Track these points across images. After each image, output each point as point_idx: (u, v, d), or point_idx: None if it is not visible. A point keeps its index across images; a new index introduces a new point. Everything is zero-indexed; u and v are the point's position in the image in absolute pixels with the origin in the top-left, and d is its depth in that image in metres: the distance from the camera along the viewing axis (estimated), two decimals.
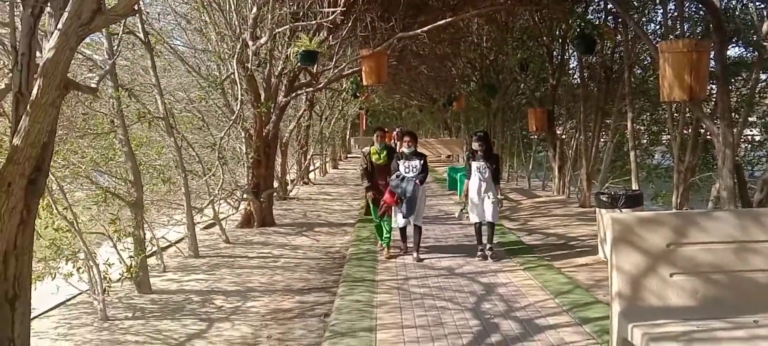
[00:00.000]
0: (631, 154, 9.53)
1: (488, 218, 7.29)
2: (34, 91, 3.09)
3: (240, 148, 11.09)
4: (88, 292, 5.79)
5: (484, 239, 7.46)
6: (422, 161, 7.44)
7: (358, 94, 16.68)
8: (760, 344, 3.22)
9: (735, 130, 7.81)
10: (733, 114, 7.15)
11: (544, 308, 5.49)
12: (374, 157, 7.82)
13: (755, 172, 9.42)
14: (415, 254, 7.50)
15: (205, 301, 6.19)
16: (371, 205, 7.89)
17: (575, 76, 14.58)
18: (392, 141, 14.08)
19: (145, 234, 6.49)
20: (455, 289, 6.18)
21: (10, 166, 3.13)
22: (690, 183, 8.38)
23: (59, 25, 3.08)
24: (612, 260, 3.72)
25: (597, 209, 7.59)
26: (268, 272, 7.45)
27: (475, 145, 7.32)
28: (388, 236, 7.72)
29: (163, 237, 7.94)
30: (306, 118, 17.66)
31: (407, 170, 7.33)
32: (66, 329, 5.32)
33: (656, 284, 3.67)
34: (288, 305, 6.05)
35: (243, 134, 10.61)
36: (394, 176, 7.35)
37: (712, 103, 8.69)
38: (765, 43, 6.72)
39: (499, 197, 7.34)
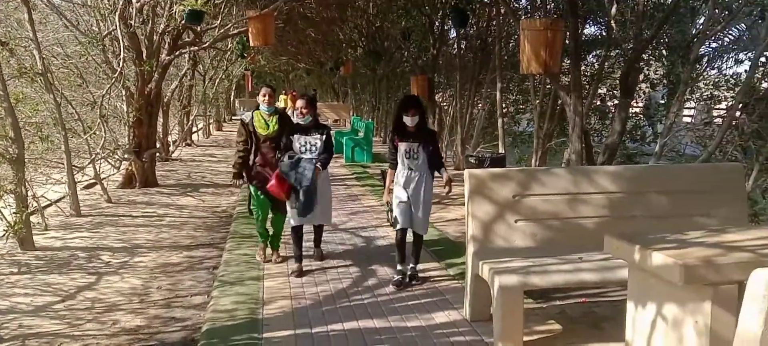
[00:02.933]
0: (499, 121, 10.44)
1: (416, 228, 5.15)
2: None
3: (121, 106, 10.88)
4: None
5: (407, 259, 5.30)
6: (325, 136, 5.46)
7: (244, 55, 16.59)
8: (581, 275, 3.99)
9: (586, 101, 8.89)
10: (583, 87, 8.12)
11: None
12: (259, 127, 5.56)
13: (603, 138, 10.65)
14: (314, 251, 5.95)
15: (91, 257, 6.28)
16: (255, 195, 5.75)
17: (455, 47, 15.42)
18: (288, 107, 13.29)
19: (26, 191, 6.43)
20: (338, 242, 6.68)
21: None
22: (547, 148, 9.39)
23: None
24: (468, 209, 4.36)
25: (465, 170, 8.36)
26: (153, 230, 7.59)
27: (407, 119, 4.96)
28: (278, 235, 5.94)
29: (42, 196, 7.79)
30: (189, 77, 17.36)
31: (303, 149, 5.36)
32: None
33: (503, 229, 4.35)
34: (176, 259, 6.29)
35: (124, 93, 10.43)
36: (285, 157, 5.29)
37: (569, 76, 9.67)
38: (613, 24, 7.67)
39: (445, 189, 5.17)
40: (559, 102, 9.84)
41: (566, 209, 4.49)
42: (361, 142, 14.74)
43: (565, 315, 4.48)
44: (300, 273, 5.46)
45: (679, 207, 4.63)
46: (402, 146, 5.05)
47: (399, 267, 5.24)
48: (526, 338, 3.94)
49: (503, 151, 10.04)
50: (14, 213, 6.07)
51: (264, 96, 5.63)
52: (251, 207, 5.98)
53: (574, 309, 4.59)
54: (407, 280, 5.20)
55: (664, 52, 8.67)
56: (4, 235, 5.91)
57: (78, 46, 9.93)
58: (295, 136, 5.42)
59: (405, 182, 5.06)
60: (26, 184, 6.56)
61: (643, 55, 8.46)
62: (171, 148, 15.87)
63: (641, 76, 9.33)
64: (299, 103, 5.46)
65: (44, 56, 8.06)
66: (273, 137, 5.56)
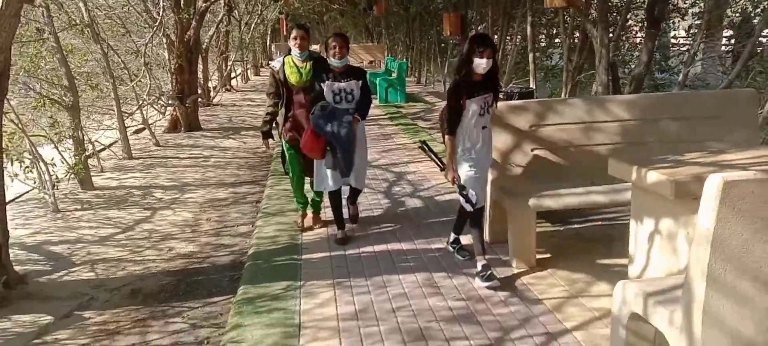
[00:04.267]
0: (530, 56, 10.55)
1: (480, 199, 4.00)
2: (0, 4, 3.60)
3: (163, 54, 11.38)
4: (37, 188, 6.32)
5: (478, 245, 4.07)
6: (361, 82, 4.65)
7: None
8: (592, 196, 4.29)
9: (611, 33, 8.94)
10: (609, 18, 8.18)
11: (443, 188, 6.50)
12: (291, 76, 4.75)
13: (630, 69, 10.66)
14: (349, 208, 5.24)
15: (145, 194, 6.86)
16: (287, 152, 4.99)
17: None
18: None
19: (83, 136, 6.99)
20: (371, 177, 7.08)
21: None
22: (577, 81, 9.50)
23: None
24: None
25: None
26: (200, 170, 8.13)
27: (480, 62, 3.78)
28: (316, 200, 5.23)
29: (96, 140, 8.39)
30: (225, 23, 17.74)
31: (338, 98, 4.55)
32: (23, 220, 5.88)
33: (520, 157, 4.65)
34: (223, 195, 6.81)
35: (165, 41, 10.91)
36: (317, 109, 4.48)
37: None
38: None
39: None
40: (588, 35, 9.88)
41: (581, 137, 4.75)
42: (395, 83, 14.98)
43: (580, 236, 4.81)
44: (344, 240, 4.76)
45: (691, 133, 4.83)
46: (472, 105, 3.86)
47: (483, 262, 3.95)
48: (539, 256, 4.30)
49: (534, 86, 10.19)
50: (74, 156, 6.63)
51: (295, 39, 4.72)
52: (286, 168, 5.11)
53: (588, 231, 4.91)
54: (489, 276, 3.88)
55: None
56: (66, 176, 6.49)
57: None
58: (327, 83, 4.52)
59: (479, 147, 4.00)
60: (82, 129, 7.10)
61: None
62: (212, 94, 16.43)
63: (670, 6, 9.28)
64: (334, 42, 4.59)
65: (89, 8, 8.52)
66: (308, 87, 4.69)
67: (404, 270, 4.18)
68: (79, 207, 6.34)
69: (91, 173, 7.24)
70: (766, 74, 6.28)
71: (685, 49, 9.28)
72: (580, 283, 3.90)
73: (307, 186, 5.22)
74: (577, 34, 9.72)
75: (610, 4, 9.26)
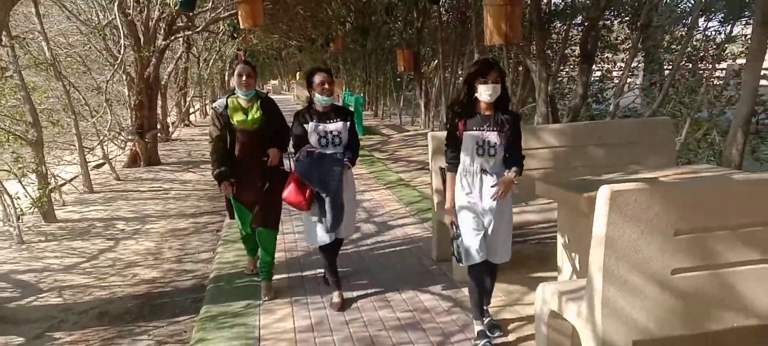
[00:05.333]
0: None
1: (495, 256, 3.52)
2: None
3: (123, 91, 11.60)
4: (1, 220, 6.47)
5: (485, 305, 3.77)
6: (349, 123, 4.18)
7: (235, 35, 17.20)
8: (526, 215, 4.75)
9: (554, 66, 9.61)
10: (549, 54, 8.83)
11: (396, 213, 6.92)
12: (236, 117, 4.23)
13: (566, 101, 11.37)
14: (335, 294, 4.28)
15: (107, 226, 7.06)
16: (233, 202, 4.43)
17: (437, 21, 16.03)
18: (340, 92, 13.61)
19: (46, 170, 7.18)
20: None
21: None
22: (521, 113, 10.11)
23: None
24: (432, 166, 5.11)
25: (428, 133, 9.06)
26: (161, 202, 8.35)
27: (485, 90, 3.29)
28: (267, 260, 4.50)
29: (57, 175, 8.54)
30: (184, 60, 18.01)
31: (324, 141, 4.06)
32: None
33: None
34: (184, 225, 7.06)
35: (125, 78, 11.14)
36: (302, 154, 4.07)
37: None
38: None
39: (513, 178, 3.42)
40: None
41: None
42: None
43: (518, 253, 5.23)
44: (342, 305, 4.18)
45: (614, 158, 5.35)
46: (470, 135, 3.35)
47: (479, 328, 3.57)
48: None
49: None
50: (38, 189, 6.81)
51: (241, 76, 4.21)
52: (233, 216, 4.57)
53: (526, 248, 5.36)
54: (494, 335, 3.59)
55: (619, 19, 9.35)
56: (30, 209, 6.67)
57: (80, 36, 10.59)
58: (311, 124, 4.05)
59: (478, 194, 3.42)
60: (45, 164, 7.29)
61: (605, 22, 9.13)
62: (171, 129, 16.59)
63: (603, 43, 10.01)
64: (318, 77, 4.05)
65: (51, 47, 8.74)
66: (255, 131, 4.23)
67: (358, 288, 4.52)
68: (43, 239, 6.51)
69: (54, 206, 7.41)
70: (682, 103, 6.93)
71: (616, 82, 10.00)
72: (516, 293, 4.33)
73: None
74: (520, 69, 10.37)
75: (549, 40, 9.94)
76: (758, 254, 2.75)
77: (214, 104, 4.39)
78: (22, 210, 6.41)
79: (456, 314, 3.99)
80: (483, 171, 3.41)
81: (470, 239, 3.41)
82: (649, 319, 2.73)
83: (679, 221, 2.64)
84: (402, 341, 3.63)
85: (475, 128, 3.36)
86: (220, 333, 3.85)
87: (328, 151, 4.08)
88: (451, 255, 3.57)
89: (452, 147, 3.46)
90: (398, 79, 20.55)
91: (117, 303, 4.69)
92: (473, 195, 3.43)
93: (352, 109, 15.90)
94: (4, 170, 6.92)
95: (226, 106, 4.25)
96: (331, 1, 19.70)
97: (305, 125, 4.08)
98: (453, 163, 3.47)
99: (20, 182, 6.88)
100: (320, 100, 4.08)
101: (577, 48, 11.22)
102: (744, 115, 5.03)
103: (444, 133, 5.30)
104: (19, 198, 6.56)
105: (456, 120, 3.42)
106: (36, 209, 6.94)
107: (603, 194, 2.60)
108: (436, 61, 16.02)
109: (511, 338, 3.63)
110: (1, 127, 7.03)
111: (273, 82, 45.97)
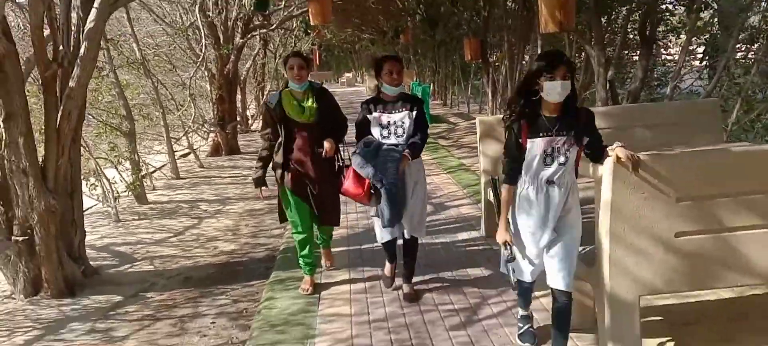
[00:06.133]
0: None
1: (555, 280, 3.02)
2: (82, 50, 4.60)
3: (205, 86, 12.53)
4: (101, 202, 7.37)
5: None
6: (415, 113, 3.88)
7: (309, 32, 17.97)
8: None
9: (611, 52, 9.67)
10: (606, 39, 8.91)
11: (454, 195, 7.32)
12: (291, 111, 4.08)
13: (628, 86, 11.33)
14: (404, 288, 4.20)
15: (192, 207, 7.84)
16: (291, 198, 4.26)
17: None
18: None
19: (138, 158, 8.05)
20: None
21: (70, 101, 4.67)
22: (583, 98, 10.23)
23: (96, 4, 4.58)
24: (479, 148, 5.48)
25: (477, 117, 9.29)
26: (240, 186, 9.11)
27: (553, 87, 2.76)
28: (325, 239, 4.70)
29: (148, 163, 9.47)
30: (261, 56, 18.97)
31: (387, 132, 3.87)
32: (90, 229, 6.88)
33: None
34: (259, 206, 7.73)
35: (207, 74, 12.05)
36: (360, 146, 3.87)
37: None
38: None
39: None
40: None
41: None
42: None
43: None
44: (392, 281, 4.27)
45: (661, 139, 5.52)
46: (536, 143, 2.88)
47: (524, 312, 3.43)
48: None
49: None
50: (131, 175, 7.67)
51: (292, 68, 4.06)
52: (287, 214, 4.40)
53: None
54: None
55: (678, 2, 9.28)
56: (125, 192, 7.53)
57: (166, 37, 11.56)
58: (374, 114, 3.87)
59: (542, 208, 2.99)
60: (137, 153, 8.16)
61: (666, 5, 9.13)
62: (250, 121, 17.57)
63: (666, 27, 9.95)
64: (387, 66, 3.86)
65: (141, 48, 9.67)
66: (310, 124, 4.08)
67: (423, 256, 4.92)
68: (136, 218, 7.35)
69: (146, 190, 8.27)
70: (737, 85, 6.91)
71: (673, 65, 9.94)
72: None
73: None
74: (583, 55, 10.47)
75: (611, 26, 9.99)
76: (758, 220, 3.00)
77: (267, 98, 4.25)
78: (118, 193, 7.27)
79: (509, 294, 4.28)
80: (549, 183, 2.95)
81: (526, 264, 3.10)
82: (654, 277, 3.02)
83: (680, 188, 2.93)
84: (444, 302, 4.04)
85: (541, 134, 2.86)
86: (286, 293, 4.41)
87: (391, 141, 3.83)
88: (504, 271, 3.20)
89: (513, 157, 2.96)
90: (466, 69, 20.77)
91: (200, 270, 5.37)
92: (534, 212, 2.99)
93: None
94: (103, 158, 7.83)
95: (280, 101, 4.07)
96: None
97: (368, 115, 3.90)
98: (513, 175, 3.00)
99: (116, 168, 7.79)
100: (387, 89, 3.89)
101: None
102: None
103: (493, 118, 5.68)
104: (115, 183, 7.42)
105: (518, 125, 2.88)
106: (130, 193, 7.80)
107: (607, 164, 2.92)
108: (503, 49, 16.19)
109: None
110: (100, 121, 7.94)
111: (347, 74, 46.93)
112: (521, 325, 3.44)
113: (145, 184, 8.41)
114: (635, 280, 3.02)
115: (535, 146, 2.89)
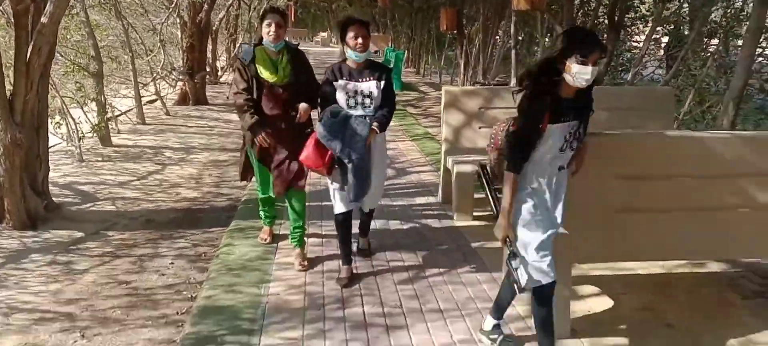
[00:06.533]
0: (512, 52, 11.52)
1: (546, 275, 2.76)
2: None
3: (176, 33, 12.40)
4: (65, 141, 7.36)
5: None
6: (383, 82, 3.74)
7: None
8: None
9: None
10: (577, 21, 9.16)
11: (416, 161, 7.52)
12: (264, 71, 3.90)
13: None
14: (359, 241, 4.33)
15: (156, 153, 7.89)
16: (253, 161, 4.25)
17: None
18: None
19: (105, 100, 8.03)
20: None
21: (40, 36, 4.69)
22: None
23: None
24: (443, 118, 5.66)
25: (442, 87, 9.47)
26: (205, 137, 9.16)
27: (583, 70, 2.52)
28: (298, 225, 4.20)
29: (114, 106, 9.43)
30: (235, 7, 18.73)
31: (353, 101, 3.71)
32: (53, 167, 6.87)
33: (470, 133, 5.64)
34: (224, 158, 7.82)
35: (179, 21, 11.92)
36: (326, 115, 3.63)
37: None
38: None
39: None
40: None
41: None
42: (391, 72, 15.96)
43: None
44: (350, 280, 3.86)
45: (615, 122, 5.77)
46: (554, 134, 2.64)
47: (495, 322, 3.12)
48: (476, 213, 5.27)
49: (514, 79, 11.16)
50: (97, 117, 7.66)
51: (269, 25, 3.84)
52: (251, 175, 4.43)
53: None
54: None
55: None
56: (90, 133, 7.53)
57: None
58: (340, 82, 3.69)
59: (551, 195, 2.79)
60: (104, 95, 8.13)
61: None
62: (219, 73, 17.44)
63: (635, 14, 10.23)
64: (351, 31, 3.64)
65: None
66: (284, 85, 3.89)
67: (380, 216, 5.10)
68: (100, 159, 7.37)
69: (110, 133, 8.27)
70: (694, 76, 7.22)
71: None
72: None
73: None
74: (553, 35, 10.71)
75: (579, 9, 10.21)
76: (687, 201, 3.26)
77: (239, 53, 3.99)
78: (83, 133, 7.28)
79: (455, 254, 4.49)
80: (560, 169, 2.78)
81: (538, 257, 2.73)
82: (587, 247, 3.26)
83: (619, 166, 3.16)
84: (395, 258, 4.25)
85: (562, 119, 2.62)
86: (245, 241, 4.57)
87: (357, 112, 3.66)
88: (509, 281, 2.83)
89: (527, 142, 2.65)
90: (441, 39, 20.85)
91: (161, 214, 5.48)
92: (544, 203, 2.77)
93: (391, 65, 16.50)
94: (69, 97, 7.79)
95: (254, 58, 3.88)
96: None
97: (334, 82, 3.69)
98: (521, 163, 2.68)
99: (82, 109, 7.76)
100: (352, 56, 3.66)
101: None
102: (737, 88, 5.41)
103: (457, 89, 5.86)
104: (81, 123, 7.41)
105: (542, 107, 2.58)
106: (95, 134, 7.80)
107: None
108: (478, 22, 16.32)
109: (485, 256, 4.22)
110: (68, 60, 7.88)
111: (322, 34, 46.52)
112: (495, 336, 3.09)
113: (110, 126, 8.40)
114: (570, 247, 3.26)
115: (557, 132, 2.63)
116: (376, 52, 27.12)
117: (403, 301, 3.60)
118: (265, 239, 4.54)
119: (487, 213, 5.36)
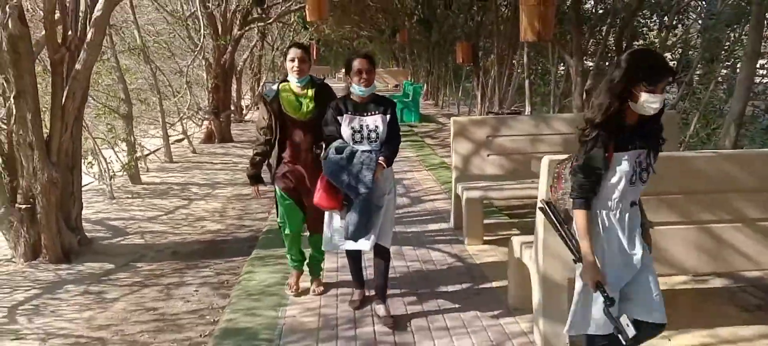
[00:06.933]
0: (526, 82, 11.76)
1: (652, 314, 2.52)
2: (89, 36, 5.02)
3: (201, 74, 12.94)
4: (97, 180, 7.78)
5: None
6: (389, 116, 3.69)
7: (307, 26, 18.38)
8: (528, 191, 5.47)
9: (591, 63, 10.13)
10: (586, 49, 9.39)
11: (431, 190, 7.76)
12: (288, 107, 3.88)
13: None
14: (380, 306, 3.90)
15: (183, 189, 8.25)
16: (281, 202, 4.15)
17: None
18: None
19: (134, 140, 8.46)
20: None
21: (75, 82, 5.09)
22: (563, 104, 10.68)
23: None
24: (452, 146, 5.91)
25: (451, 118, 9.75)
26: (230, 173, 9.52)
27: (652, 99, 2.33)
28: (317, 257, 4.36)
29: (143, 146, 9.88)
30: (259, 48, 19.38)
31: (358, 136, 3.64)
32: (86, 204, 7.28)
33: (478, 161, 5.87)
34: (247, 192, 8.15)
35: (204, 63, 12.45)
36: (330, 150, 3.59)
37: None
38: None
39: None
40: None
41: (528, 146, 5.94)
42: (410, 104, 16.33)
43: (525, 225, 5.98)
44: (362, 302, 4.01)
45: None
46: (623, 162, 2.45)
47: None
48: (487, 237, 5.48)
49: (529, 109, 11.39)
50: (127, 156, 8.08)
51: (293, 60, 3.83)
52: (279, 221, 4.27)
53: (528, 223, 6.08)
54: None
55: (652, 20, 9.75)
56: (120, 172, 7.95)
57: (166, 25, 11.95)
58: (345, 116, 3.63)
59: (626, 232, 2.56)
60: (133, 135, 8.57)
61: (639, 21, 9.56)
62: (244, 111, 17.98)
63: (642, 40, 10.41)
64: (357, 63, 3.62)
65: (142, 34, 10.07)
66: (308, 121, 3.86)
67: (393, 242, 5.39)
68: (130, 196, 7.76)
69: (140, 171, 8.68)
70: (699, 100, 7.37)
71: None
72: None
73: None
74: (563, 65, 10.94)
75: (593, 39, 10.43)
76: (677, 217, 3.44)
77: (265, 91, 4.00)
78: (113, 172, 7.69)
79: (464, 275, 4.71)
80: (632, 204, 2.56)
81: (645, 306, 2.53)
82: None
83: None
84: (405, 281, 4.48)
85: (629, 147, 2.45)
86: (265, 268, 4.85)
87: (363, 147, 3.59)
88: (615, 332, 2.45)
89: (595, 173, 2.46)
90: (458, 71, 21.20)
91: (187, 246, 5.79)
92: (624, 244, 2.54)
93: (410, 97, 16.83)
94: (100, 138, 8.23)
95: (278, 94, 3.87)
96: None
97: (339, 117, 3.63)
98: (590, 197, 2.50)
99: (113, 149, 8.21)
100: (357, 90, 3.63)
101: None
102: (737, 111, 5.56)
103: (465, 118, 6.11)
104: (111, 162, 7.84)
105: (606, 133, 2.41)
106: (125, 172, 8.22)
107: (544, 162, 3.36)
108: (493, 54, 16.63)
109: (495, 279, 4.41)
110: (99, 103, 8.35)
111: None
112: None
113: (139, 165, 8.81)
114: (564, 263, 3.45)
115: (625, 161, 2.44)
116: (396, 86, 27.72)
117: (412, 320, 3.82)
118: (293, 288, 4.31)
119: (497, 237, 5.58)
